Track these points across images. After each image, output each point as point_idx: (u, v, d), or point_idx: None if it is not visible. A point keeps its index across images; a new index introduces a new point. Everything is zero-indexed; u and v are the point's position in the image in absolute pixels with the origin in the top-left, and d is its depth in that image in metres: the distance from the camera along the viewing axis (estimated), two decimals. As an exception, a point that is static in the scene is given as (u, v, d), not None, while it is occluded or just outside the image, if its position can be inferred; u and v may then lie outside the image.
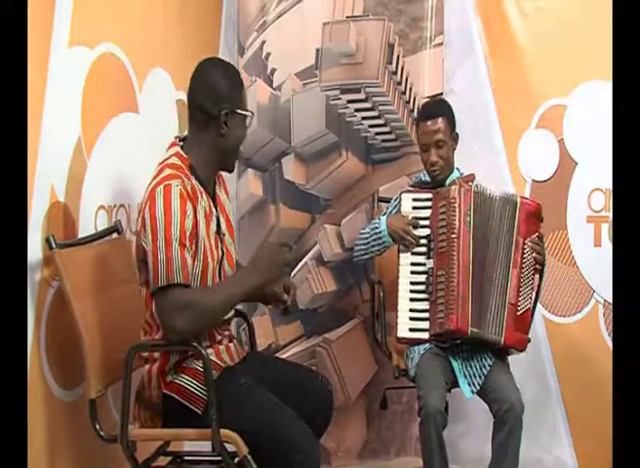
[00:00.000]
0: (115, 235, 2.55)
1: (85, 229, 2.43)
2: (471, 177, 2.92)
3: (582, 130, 3.37)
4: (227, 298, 2.24)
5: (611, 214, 3.33)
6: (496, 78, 3.45)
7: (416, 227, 2.84)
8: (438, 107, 2.96)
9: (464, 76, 3.48)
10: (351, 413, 3.46)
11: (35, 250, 2.18)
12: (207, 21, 3.40)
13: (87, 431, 2.27)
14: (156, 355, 2.27)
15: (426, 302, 2.79)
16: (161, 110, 2.99)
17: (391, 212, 2.99)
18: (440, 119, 2.86)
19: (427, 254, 2.82)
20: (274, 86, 3.42)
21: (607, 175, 3.02)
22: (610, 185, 3.30)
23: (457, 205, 2.75)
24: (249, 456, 2.18)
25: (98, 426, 2.27)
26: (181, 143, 2.34)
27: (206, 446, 2.22)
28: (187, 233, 2.17)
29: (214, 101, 2.27)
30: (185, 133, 2.38)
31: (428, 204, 2.85)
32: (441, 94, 3.42)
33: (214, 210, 2.33)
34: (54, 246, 2.19)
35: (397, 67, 3.41)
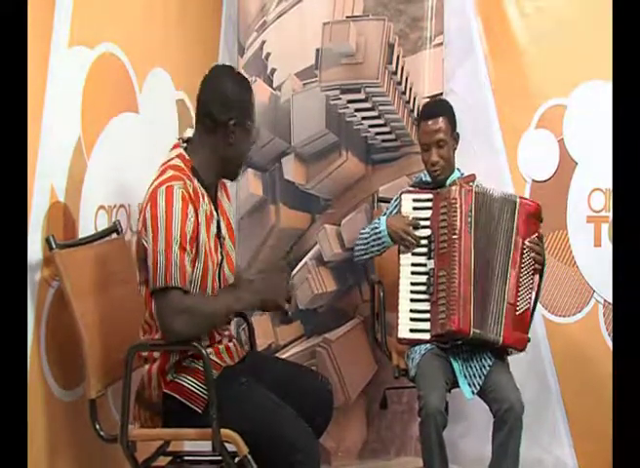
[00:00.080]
0: (115, 235, 2.55)
1: (85, 229, 2.43)
2: (472, 178, 2.92)
3: (582, 130, 3.37)
4: (225, 311, 2.28)
5: (611, 214, 3.33)
6: (496, 78, 3.45)
7: (416, 228, 2.84)
8: (439, 107, 2.96)
9: (464, 76, 3.48)
10: (351, 413, 3.46)
11: (35, 250, 2.18)
12: (207, 21, 3.40)
13: (87, 431, 2.27)
14: (156, 354, 2.27)
15: (427, 303, 2.79)
16: (161, 110, 2.99)
17: (392, 212, 2.98)
18: (441, 119, 2.86)
19: (428, 255, 2.82)
20: (274, 86, 3.42)
21: (607, 175, 3.02)
22: (610, 185, 3.30)
23: (458, 205, 2.75)
24: (249, 456, 2.18)
25: (98, 426, 2.27)
26: (185, 145, 2.33)
27: (206, 445, 2.22)
28: (188, 236, 2.17)
29: (224, 109, 2.27)
30: (189, 134, 2.37)
31: (429, 204, 2.85)
32: (441, 94, 3.42)
33: (214, 213, 2.33)
34: (54, 246, 2.19)
35: (397, 67, 3.41)
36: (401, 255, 2.86)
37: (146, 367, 2.29)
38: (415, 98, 3.43)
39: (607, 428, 2.22)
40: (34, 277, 2.19)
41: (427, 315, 2.78)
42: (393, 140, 3.46)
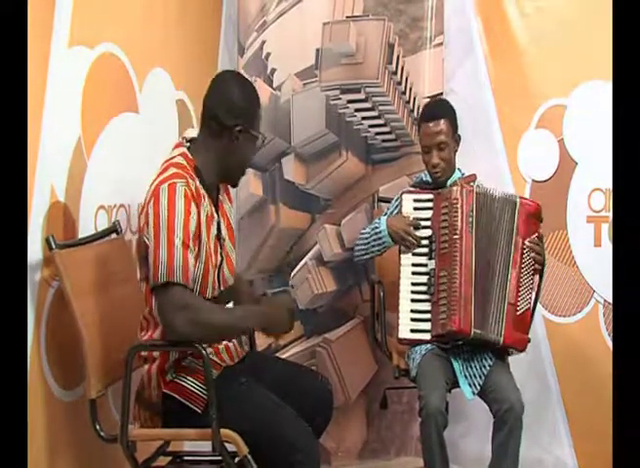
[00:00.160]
0: (114, 235, 2.55)
1: (85, 229, 2.43)
2: (472, 178, 2.92)
3: (582, 130, 3.37)
4: (225, 322, 2.25)
5: (611, 214, 3.33)
6: (496, 78, 3.45)
7: (417, 228, 2.84)
8: (440, 108, 2.95)
9: (464, 76, 3.48)
10: (351, 413, 3.46)
11: (35, 250, 2.18)
12: (207, 21, 3.40)
13: (87, 431, 2.27)
14: (155, 354, 2.28)
15: (428, 303, 2.78)
16: (161, 110, 2.99)
17: (392, 212, 2.98)
18: (442, 121, 2.86)
19: (429, 255, 2.82)
20: (274, 86, 3.42)
21: (607, 175, 3.02)
22: (610, 185, 3.30)
23: (459, 206, 2.75)
24: (249, 456, 2.18)
25: (98, 426, 2.27)
26: (188, 144, 2.33)
27: (206, 446, 2.22)
28: (191, 234, 2.17)
29: (230, 115, 2.27)
30: (190, 133, 2.37)
31: (430, 204, 2.85)
32: (441, 94, 3.42)
33: (215, 214, 2.33)
34: (53, 246, 2.19)
35: (397, 67, 3.41)
36: (402, 256, 2.86)
37: (146, 367, 2.28)
38: (415, 98, 3.43)
39: (607, 428, 2.21)
40: (34, 277, 2.19)
41: (428, 315, 2.78)
42: (393, 140, 3.46)
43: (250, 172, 3.38)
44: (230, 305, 2.44)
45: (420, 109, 3.21)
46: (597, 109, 3.28)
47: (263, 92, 3.37)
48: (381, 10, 3.41)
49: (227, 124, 2.28)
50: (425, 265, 2.82)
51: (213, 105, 2.31)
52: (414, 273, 2.83)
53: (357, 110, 3.43)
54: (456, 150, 2.92)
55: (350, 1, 3.41)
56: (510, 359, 2.86)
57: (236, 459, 2.25)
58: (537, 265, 2.78)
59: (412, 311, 2.80)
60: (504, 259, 2.75)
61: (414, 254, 2.85)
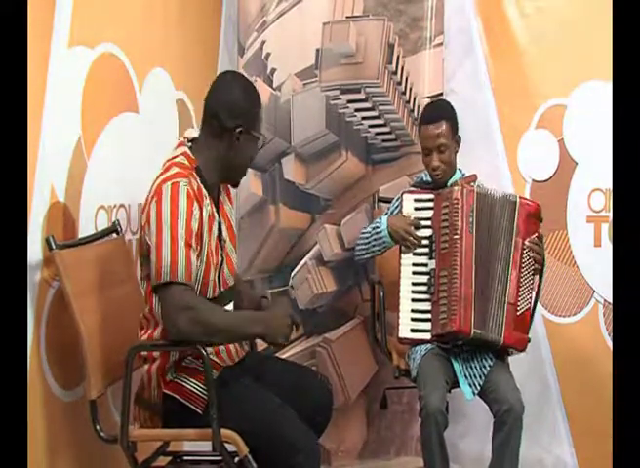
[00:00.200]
0: (114, 235, 2.55)
1: (85, 229, 2.43)
2: (473, 178, 2.92)
3: (582, 130, 3.37)
4: (227, 325, 2.23)
5: (611, 214, 3.33)
6: (496, 78, 3.45)
7: (417, 228, 2.84)
8: (441, 110, 2.94)
9: (464, 76, 3.48)
10: (351, 413, 3.46)
11: (35, 250, 2.18)
12: (207, 21, 3.40)
13: (87, 431, 2.27)
14: (156, 354, 2.27)
15: (428, 303, 2.78)
16: (161, 110, 2.99)
17: (393, 212, 2.98)
18: (442, 123, 2.85)
19: (429, 255, 2.81)
20: (274, 86, 3.42)
21: (607, 175, 3.02)
22: (610, 185, 3.30)
23: (459, 206, 2.75)
24: (249, 456, 2.18)
25: (98, 426, 2.27)
26: (190, 144, 2.33)
27: (206, 446, 2.22)
28: (193, 233, 2.17)
29: (231, 116, 2.28)
30: (193, 134, 2.37)
31: (430, 204, 2.85)
32: (441, 94, 3.42)
33: (216, 215, 2.33)
34: (53, 246, 2.20)
35: (397, 67, 3.40)
36: (402, 255, 2.86)
37: (146, 366, 2.28)
38: (415, 98, 3.43)
39: (607, 428, 2.22)
40: (34, 277, 2.19)
41: (428, 315, 2.78)
42: (393, 140, 3.46)
43: (250, 172, 3.38)
44: (230, 306, 2.44)
45: (421, 109, 3.21)
46: (597, 109, 3.28)
47: (263, 92, 3.37)
48: (381, 10, 3.41)
49: (228, 125, 2.28)
50: (426, 265, 2.82)
51: (214, 106, 2.31)
52: (414, 273, 2.83)
53: (357, 110, 3.43)
54: (456, 151, 2.92)
55: (350, 1, 3.41)
56: (510, 359, 2.86)
57: (236, 459, 2.25)
58: (536, 265, 2.78)
59: (412, 311, 2.80)
60: (504, 259, 2.75)
61: (414, 254, 2.85)
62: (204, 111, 2.34)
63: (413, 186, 3.00)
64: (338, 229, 3.45)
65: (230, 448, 2.23)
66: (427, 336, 2.77)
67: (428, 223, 2.84)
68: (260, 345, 3.08)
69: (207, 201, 2.27)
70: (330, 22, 3.40)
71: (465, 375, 2.73)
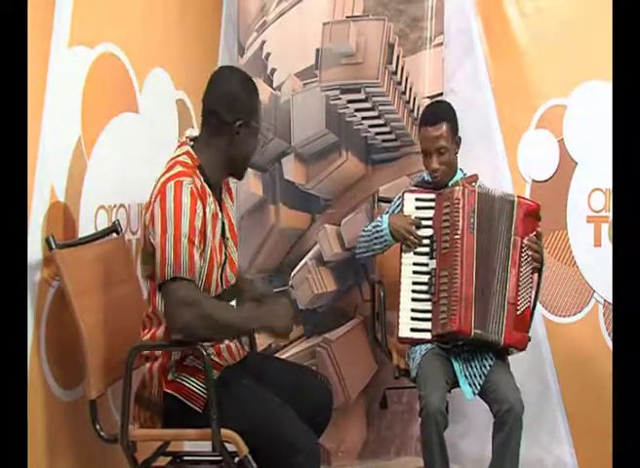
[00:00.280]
0: (114, 235, 2.55)
1: (85, 229, 2.43)
2: (474, 178, 2.92)
3: (582, 130, 3.37)
4: (230, 321, 2.24)
5: (611, 214, 3.33)
6: (496, 78, 3.45)
7: (418, 227, 2.84)
8: (440, 112, 2.92)
9: (464, 76, 3.48)
10: (351, 413, 3.46)
11: (35, 250, 2.18)
12: (207, 21, 3.40)
13: (87, 431, 2.27)
14: (157, 353, 2.28)
15: (429, 303, 2.78)
16: (161, 110, 2.99)
17: (394, 210, 2.98)
18: (442, 125, 2.84)
19: (430, 255, 2.81)
20: (274, 86, 3.42)
21: (607, 175, 3.02)
22: (610, 185, 3.30)
23: (460, 206, 2.74)
24: (249, 456, 2.18)
25: (98, 426, 2.27)
26: (192, 143, 2.34)
27: (206, 446, 2.22)
28: (197, 231, 2.18)
29: (230, 110, 2.28)
30: (194, 133, 2.38)
31: (432, 204, 2.85)
32: (441, 94, 3.42)
33: (219, 213, 2.33)
34: (54, 246, 2.19)
35: (397, 67, 3.40)
36: (403, 254, 2.86)
37: (147, 365, 2.29)
38: (415, 98, 3.43)
39: (607, 428, 2.21)
40: (34, 277, 2.19)
41: (428, 315, 2.78)
42: (393, 140, 3.46)
43: (250, 172, 3.38)
44: (233, 304, 2.44)
45: (421, 109, 3.21)
46: (597, 109, 3.28)
47: (263, 92, 3.37)
48: (381, 10, 3.41)
49: (228, 120, 2.28)
50: (426, 265, 2.82)
51: (212, 103, 2.32)
52: (415, 272, 2.83)
53: (357, 110, 3.43)
54: (456, 152, 2.91)
55: (350, 1, 3.41)
56: (510, 359, 2.86)
57: (236, 459, 2.25)
58: (535, 263, 2.78)
59: (412, 310, 2.80)
60: (504, 259, 2.75)
61: (415, 254, 2.84)
62: (202, 109, 2.35)
63: (414, 186, 3.00)
64: (338, 229, 3.45)
65: (230, 448, 2.23)
66: (427, 336, 2.77)
67: (429, 223, 2.84)
68: (261, 345, 3.10)
69: (210, 199, 2.28)
70: (330, 22, 3.40)
71: (465, 375, 2.73)
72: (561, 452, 3.39)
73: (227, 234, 2.38)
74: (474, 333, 2.69)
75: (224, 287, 2.36)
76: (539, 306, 3.29)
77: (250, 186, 3.41)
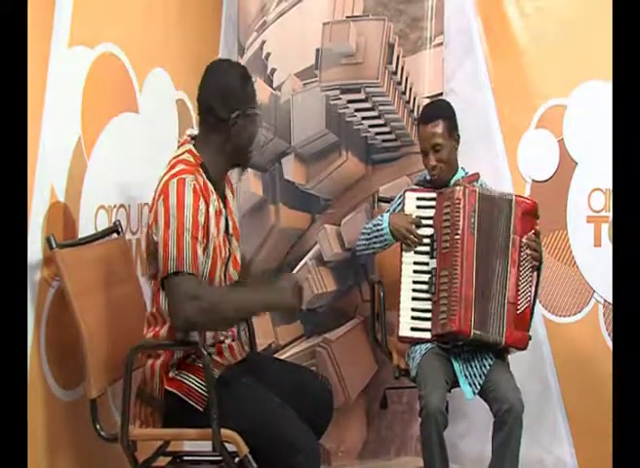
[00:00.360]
0: (115, 235, 2.55)
1: (85, 229, 2.44)
2: (475, 177, 2.92)
3: (582, 130, 3.37)
4: (235, 306, 2.25)
5: (611, 214, 3.33)
6: (496, 78, 3.45)
7: (419, 226, 2.84)
8: (436, 110, 2.94)
9: (464, 76, 3.48)
10: (351, 413, 3.46)
11: (35, 250, 2.18)
12: (207, 21, 3.40)
13: (87, 431, 2.27)
14: (160, 350, 2.28)
15: (429, 302, 2.78)
16: (161, 110, 2.99)
17: (395, 209, 2.98)
18: (437, 122, 2.84)
19: (431, 254, 2.81)
20: (274, 86, 3.42)
21: (607, 175, 3.02)
22: (610, 185, 3.30)
23: (461, 206, 2.74)
24: (249, 456, 2.18)
25: (98, 426, 2.27)
26: (193, 142, 2.35)
27: (206, 446, 2.22)
28: (200, 227, 2.18)
29: (225, 105, 2.29)
30: (195, 132, 2.39)
31: (432, 203, 2.84)
32: (441, 94, 3.42)
33: (223, 210, 2.34)
34: (54, 245, 2.20)
35: (397, 67, 3.40)
36: (403, 253, 2.86)
37: (149, 362, 2.29)
38: (415, 98, 3.43)
39: (607, 428, 2.21)
40: (34, 277, 2.19)
41: (429, 314, 2.78)
42: (393, 140, 3.46)
43: (250, 172, 3.38)
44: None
45: (421, 109, 3.20)
46: (597, 109, 3.28)
47: (263, 92, 3.37)
48: (381, 10, 3.41)
49: (224, 116, 2.30)
50: (427, 264, 2.82)
51: (207, 99, 2.33)
52: (415, 271, 2.83)
53: (357, 110, 3.43)
54: (456, 148, 2.91)
55: (350, 1, 3.41)
56: (511, 359, 2.86)
57: (236, 459, 2.25)
58: (534, 262, 2.78)
59: (412, 309, 2.80)
60: (503, 258, 2.75)
61: (415, 253, 2.84)
62: (198, 108, 2.36)
63: (415, 185, 3.00)
64: (338, 229, 3.45)
65: (230, 448, 2.23)
66: (427, 335, 2.77)
67: (430, 222, 2.84)
68: (261, 345, 3.10)
69: (214, 196, 2.29)
70: (330, 22, 3.40)
71: (465, 375, 2.73)
72: (561, 452, 3.39)
73: (231, 231, 2.39)
74: (474, 334, 2.69)
75: (227, 283, 2.36)
76: (539, 306, 3.30)
77: (250, 186, 3.41)
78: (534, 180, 3.42)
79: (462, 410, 3.32)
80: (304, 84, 3.42)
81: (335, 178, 3.45)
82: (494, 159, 3.45)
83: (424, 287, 2.80)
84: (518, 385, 2.68)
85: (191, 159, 2.29)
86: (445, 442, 2.60)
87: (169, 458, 2.59)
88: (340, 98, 3.41)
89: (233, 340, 2.42)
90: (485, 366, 2.73)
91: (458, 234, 2.74)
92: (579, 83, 3.36)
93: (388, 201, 3.13)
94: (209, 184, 2.28)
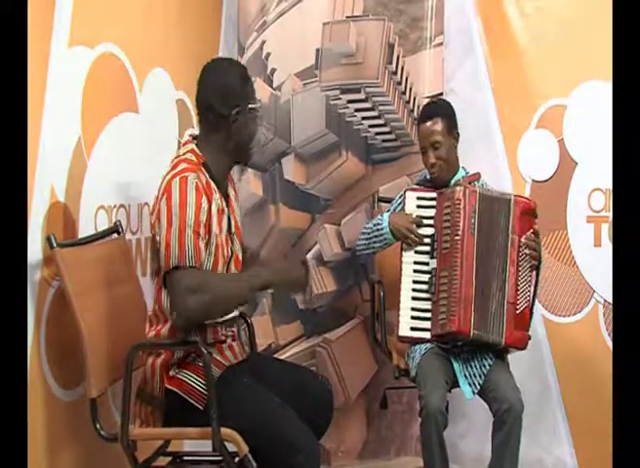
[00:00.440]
0: (115, 235, 2.55)
1: (85, 229, 2.44)
2: (476, 177, 2.92)
3: (582, 130, 3.37)
4: (236, 291, 2.25)
5: (611, 214, 3.33)
6: (496, 78, 3.45)
7: (419, 226, 2.84)
8: (434, 108, 2.94)
9: (464, 76, 3.48)
10: (351, 413, 3.46)
11: (35, 249, 2.18)
12: (207, 21, 3.40)
13: (87, 431, 2.27)
14: (160, 349, 2.29)
15: (429, 302, 2.78)
16: (161, 110, 2.99)
17: (395, 209, 2.98)
18: (436, 120, 2.84)
19: (431, 254, 2.81)
20: (274, 86, 3.42)
21: (607, 175, 3.02)
22: (610, 185, 3.30)
23: (461, 206, 2.74)
24: (249, 455, 2.18)
25: (98, 425, 2.27)
26: (195, 142, 2.35)
27: (206, 445, 2.22)
28: (202, 224, 2.19)
29: (224, 102, 2.30)
30: (196, 132, 2.39)
31: (433, 203, 2.84)
32: (441, 94, 3.42)
33: (225, 209, 2.35)
34: (54, 245, 2.20)
35: (397, 67, 3.40)
36: (404, 253, 2.86)
37: (150, 360, 2.29)
38: (415, 98, 3.43)
39: (607, 428, 2.22)
40: (34, 277, 2.19)
41: (428, 314, 2.78)
42: (393, 140, 3.46)
43: (250, 172, 3.39)
44: None
45: (420, 109, 3.21)
46: (597, 109, 3.28)
47: (263, 92, 3.38)
48: (381, 10, 3.41)
49: (224, 113, 2.31)
50: (427, 264, 2.82)
51: (205, 98, 2.34)
52: (415, 271, 2.83)
53: (357, 110, 3.43)
54: (455, 147, 2.91)
55: (350, 1, 3.41)
56: (510, 359, 2.86)
57: (236, 459, 2.25)
58: (534, 261, 2.78)
59: (412, 309, 2.80)
60: (502, 258, 2.75)
61: (416, 253, 2.84)
62: (197, 107, 2.37)
63: (416, 184, 2.99)
64: (338, 229, 3.45)
65: (230, 448, 2.23)
66: (427, 335, 2.77)
67: (430, 222, 2.83)
68: (261, 345, 3.10)
69: (216, 195, 2.30)
70: (330, 22, 3.40)
71: (465, 375, 2.73)
72: (561, 452, 3.39)
73: (233, 230, 2.39)
74: (473, 334, 2.69)
75: None
76: (539, 306, 3.30)
77: (250, 186, 3.41)
78: (534, 180, 3.42)
79: (462, 410, 3.32)
80: (304, 84, 3.42)
81: (335, 178, 3.45)
82: (494, 159, 3.45)
83: (424, 287, 2.80)
84: (518, 385, 2.68)
85: (194, 158, 2.30)
86: (445, 442, 2.60)
87: (169, 458, 2.59)
88: (339, 98, 3.41)
89: (234, 340, 2.43)
90: (485, 366, 2.73)
91: (458, 235, 2.74)
92: (579, 83, 3.36)
93: (388, 201, 3.13)
94: (212, 183, 2.29)
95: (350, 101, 3.42)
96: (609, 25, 2.26)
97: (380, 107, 3.42)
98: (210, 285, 2.18)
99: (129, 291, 2.54)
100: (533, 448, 3.23)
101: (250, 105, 2.35)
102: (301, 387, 2.43)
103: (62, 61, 2.29)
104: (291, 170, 3.42)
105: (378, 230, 2.91)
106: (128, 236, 2.68)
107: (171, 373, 2.27)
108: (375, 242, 2.93)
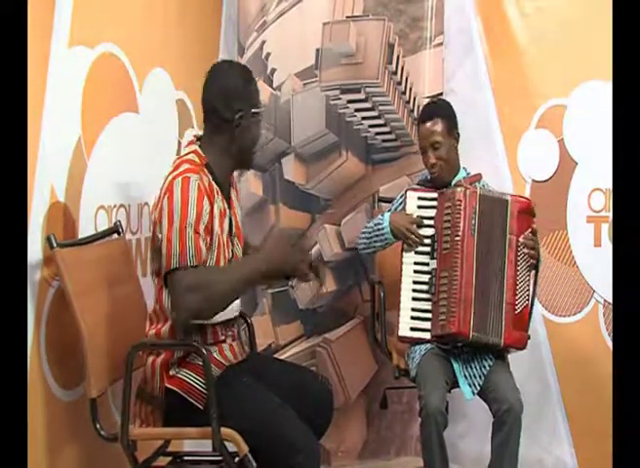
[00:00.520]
0: (115, 235, 2.55)
1: (85, 229, 2.44)
2: (477, 177, 2.91)
3: (582, 130, 3.37)
4: (236, 284, 2.24)
5: (611, 214, 3.33)
6: (496, 78, 3.45)
7: (420, 226, 2.84)
8: (434, 108, 2.94)
9: (464, 76, 3.48)
10: (351, 413, 3.46)
11: (35, 249, 2.18)
12: (207, 21, 3.40)
13: (87, 431, 2.27)
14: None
15: (429, 302, 2.78)
16: (161, 110, 2.99)
17: (397, 208, 2.98)
18: (436, 120, 2.84)
19: (431, 255, 2.81)
20: (274, 86, 3.42)
21: (607, 175, 3.02)
22: (610, 185, 3.30)
23: (462, 207, 2.74)
24: (249, 455, 2.18)
25: (98, 425, 2.27)
26: (199, 142, 2.36)
27: (206, 445, 2.22)
28: (202, 224, 2.19)
29: (228, 106, 2.30)
30: (200, 133, 2.40)
31: (434, 203, 2.84)
32: (441, 94, 3.42)
33: (227, 211, 2.35)
34: (54, 245, 2.20)
35: (397, 67, 3.40)
36: (404, 253, 2.85)
37: (150, 359, 2.29)
38: (415, 98, 3.43)
39: (607, 428, 2.22)
40: (34, 277, 2.19)
41: (428, 314, 2.77)
42: (393, 140, 3.46)
43: (250, 172, 3.38)
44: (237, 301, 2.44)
45: (420, 109, 3.21)
46: (597, 109, 3.28)
47: (263, 92, 3.37)
48: (381, 10, 3.41)
49: (228, 117, 2.30)
50: (427, 264, 2.81)
51: (210, 100, 2.34)
52: (415, 271, 2.83)
53: (357, 110, 3.43)
54: (455, 147, 2.91)
55: (350, 1, 3.41)
56: (510, 359, 2.86)
57: (236, 459, 2.25)
58: (532, 261, 2.78)
59: (413, 309, 2.80)
60: (500, 259, 2.75)
61: (416, 253, 2.84)
62: (203, 109, 2.37)
63: (417, 184, 2.99)
64: (338, 229, 3.45)
65: (230, 448, 2.23)
66: (427, 336, 2.77)
67: (431, 222, 2.83)
68: (261, 345, 3.09)
69: (219, 197, 2.30)
70: (330, 22, 3.40)
71: (465, 375, 2.73)
72: (561, 452, 3.39)
73: (234, 232, 2.39)
74: (473, 336, 2.69)
75: None
76: (539, 306, 3.31)
77: (250, 186, 3.41)
78: (534, 180, 3.42)
79: (462, 411, 3.32)
80: (304, 84, 3.42)
81: (335, 178, 3.45)
82: (494, 159, 3.45)
83: (424, 287, 2.80)
84: (518, 385, 2.68)
85: (196, 159, 2.30)
86: (445, 442, 2.60)
87: (169, 458, 2.60)
88: (339, 98, 3.41)
89: (234, 340, 2.43)
90: (484, 366, 2.73)
91: (458, 235, 2.74)
92: (579, 83, 3.36)
93: (388, 201, 3.13)
94: (214, 185, 2.29)
95: (350, 101, 3.42)
96: (609, 25, 2.26)
97: (380, 107, 3.43)
98: (209, 283, 2.18)
99: (129, 291, 2.54)
100: (533, 449, 3.23)
101: (253, 110, 2.35)
102: (301, 387, 2.43)
103: (62, 61, 2.29)
104: (291, 170, 3.42)
105: (378, 229, 2.90)
106: (128, 236, 2.68)
107: (171, 373, 2.27)
108: (375, 241, 2.93)
